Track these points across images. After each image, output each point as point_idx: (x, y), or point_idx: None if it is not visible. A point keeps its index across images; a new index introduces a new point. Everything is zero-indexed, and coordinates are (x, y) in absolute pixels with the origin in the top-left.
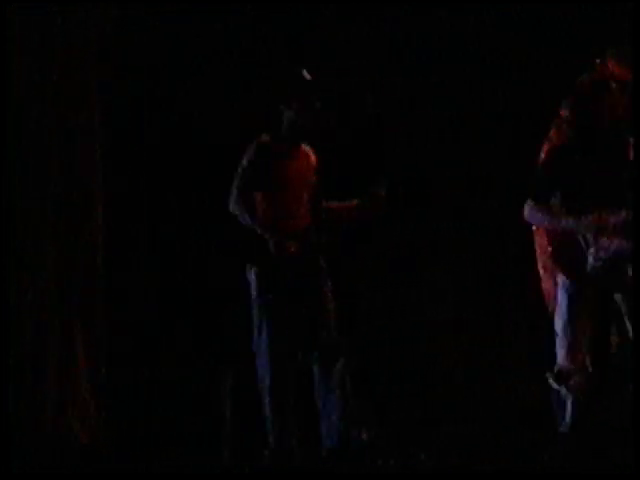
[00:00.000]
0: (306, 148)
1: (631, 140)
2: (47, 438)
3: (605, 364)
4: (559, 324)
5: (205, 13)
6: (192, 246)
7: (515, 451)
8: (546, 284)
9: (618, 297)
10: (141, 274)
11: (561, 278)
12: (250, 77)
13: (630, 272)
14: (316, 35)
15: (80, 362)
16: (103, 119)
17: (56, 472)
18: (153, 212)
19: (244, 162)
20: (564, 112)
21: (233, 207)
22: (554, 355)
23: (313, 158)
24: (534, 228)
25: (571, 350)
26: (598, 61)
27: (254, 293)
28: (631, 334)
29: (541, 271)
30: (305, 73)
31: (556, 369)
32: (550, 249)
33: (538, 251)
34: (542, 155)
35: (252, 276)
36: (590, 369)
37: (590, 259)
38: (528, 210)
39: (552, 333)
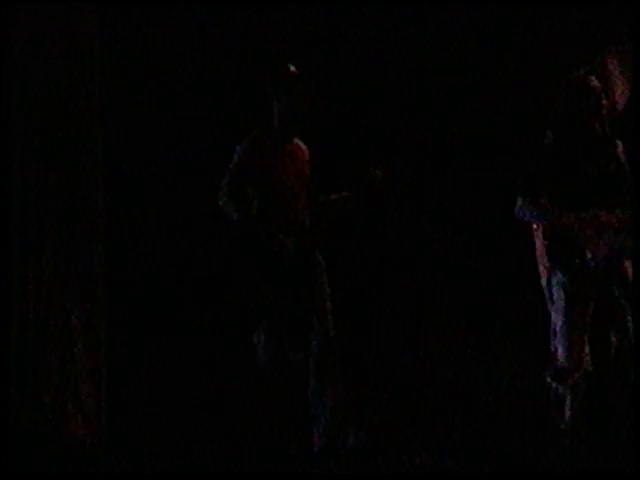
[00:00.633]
0: (299, 142)
1: (619, 143)
2: (47, 438)
3: (605, 363)
4: (558, 322)
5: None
6: (192, 246)
7: (514, 450)
8: (544, 282)
9: (619, 294)
10: (142, 274)
11: (557, 276)
12: (245, 75)
13: (628, 267)
14: (302, 28)
15: (80, 362)
16: (105, 121)
17: (56, 472)
18: (153, 213)
19: (235, 158)
20: (561, 108)
21: (222, 202)
22: (553, 353)
23: (306, 152)
24: (534, 227)
25: (570, 349)
26: (598, 59)
27: (256, 289)
28: (631, 331)
29: (540, 270)
30: (291, 66)
31: (555, 368)
32: (547, 247)
33: (537, 250)
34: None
35: (255, 273)
36: (590, 368)
37: (588, 255)
38: (519, 206)
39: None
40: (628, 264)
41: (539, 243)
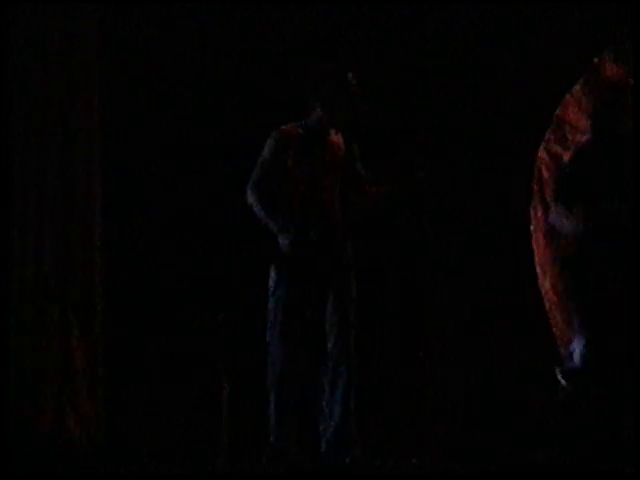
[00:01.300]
0: (336, 137)
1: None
2: (46, 439)
3: (608, 360)
4: (574, 322)
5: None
6: (192, 245)
7: (519, 451)
8: (545, 283)
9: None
10: (141, 274)
11: (576, 275)
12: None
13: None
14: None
15: (78, 363)
16: (103, 118)
17: (54, 473)
18: (153, 212)
19: (265, 153)
20: (562, 113)
21: (250, 199)
22: (559, 352)
23: (342, 146)
24: (532, 227)
25: (585, 348)
26: (595, 60)
27: (271, 288)
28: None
29: (539, 270)
30: (346, 71)
31: (568, 366)
32: (552, 245)
33: (536, 250)
34: (541, 154)
35: (272, 271)
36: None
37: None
38: (558, 216)
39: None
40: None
41: (538, 242)
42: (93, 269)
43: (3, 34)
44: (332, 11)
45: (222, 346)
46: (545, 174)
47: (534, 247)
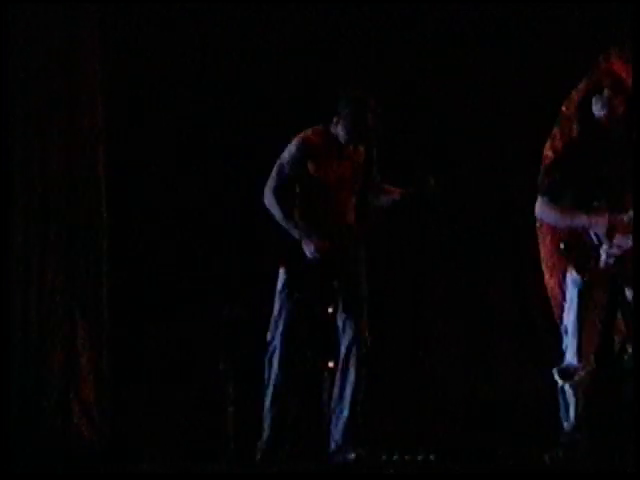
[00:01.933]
0: (356, 147)
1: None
2: (52, 439)
3: (609, 361)
4: (569, 321)
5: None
6: (197, 245)
7: (519, 451)
8: (550, 282)
9: (629, 293)
10: (146, 274)
11: (572, 274)
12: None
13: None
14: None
15: (83, 362)
16: (107, 117)
17: (61, 473)
18: (158, 212)
19: (286, 156)
20: (567, 109)
21: (268, 202)
22: (561, 352)
23: (363, 157)
24: (538, 226)
25: (581, 347)
26: (601, 58)
27: (278, 288)
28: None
29: (545, 269)
30: (367, 96)
31: (563, 366)
32: (562, 246)
33: (543, 250)
34: (548, 152)
35: (281, 272)
36: (594, 366)
37: (603, 255)
38: (540, 207)
39: (557, 331)
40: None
41: (545, 242)
42: (98, 270)
43: (4, 32)
44: (332, 11)
45: (225, 346)
46: None
47: (540, 246)
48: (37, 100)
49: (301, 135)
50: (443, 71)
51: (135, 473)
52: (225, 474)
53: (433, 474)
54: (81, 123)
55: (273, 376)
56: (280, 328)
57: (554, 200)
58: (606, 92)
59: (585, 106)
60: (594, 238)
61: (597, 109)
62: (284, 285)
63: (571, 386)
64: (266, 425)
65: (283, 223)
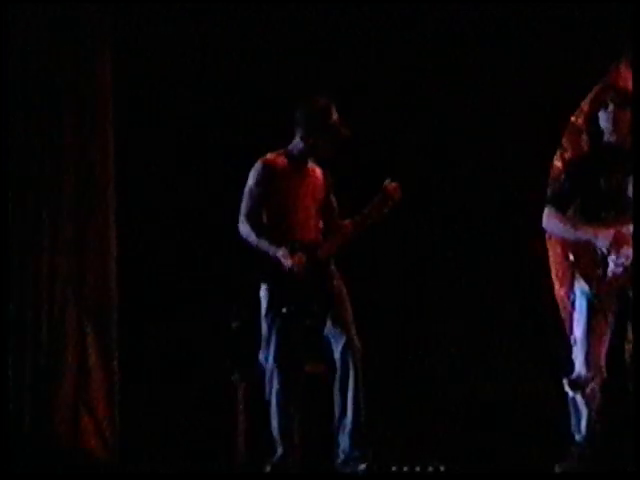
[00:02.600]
0: (315, 167)
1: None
2: (61, 446)
3: (620, 371)
4: (578, 331)
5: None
6: (207, 248)
7: (530, 461)
8: (560, 292)
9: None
10: (155, 277)
11: (580, 285)
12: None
13: None
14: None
15: (94, 371)
16: (116, 119)
17: (59, 473)
18: (167, 214)
19: (250, 184)
20: (577, 120)
21: (243, 229)
22: (570, 362)
23: (321, 173)
24: (547, 237)
25: (590, 357)
26: (613, 65)
27: (264, 309)
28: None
29: (555, 279)
30: (328, 103)
31: (574, 376)
32: (572, 257)
33: (552, 259)
34: (557, 163)
35: (263, 292)
36: (605, 375)
37: (611, 265)
38: (547, 218)
39: (567, 340)
40: None
41: (554, 252)
42: (108, 274)
43: (9, 32)
44: (332, 11)
45: (233, 348)
46: None
47: (550, 256)
48: (37, 100)
49: (261, 158)
50: (443, 71)
51: (140, 473)
52: (239, 475)
53: (433, 474)
54: (83, 126)
55: (275, 394)
56: (272, 347)
57: (561, 211)
58: (611, 107)
59: (594, 118)
60: (602, 248)
61: (603, 122)
62: (269, 304)
63: (582, 397)
64: (277, 442)
65: (260, 244)
